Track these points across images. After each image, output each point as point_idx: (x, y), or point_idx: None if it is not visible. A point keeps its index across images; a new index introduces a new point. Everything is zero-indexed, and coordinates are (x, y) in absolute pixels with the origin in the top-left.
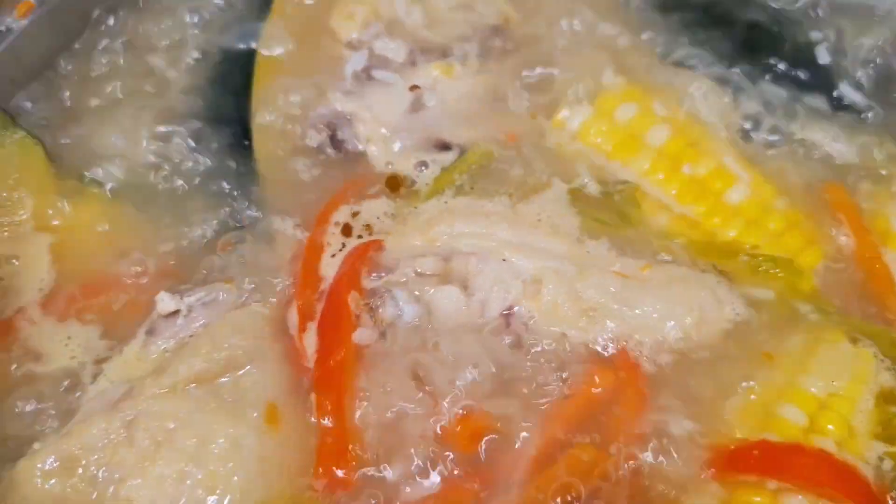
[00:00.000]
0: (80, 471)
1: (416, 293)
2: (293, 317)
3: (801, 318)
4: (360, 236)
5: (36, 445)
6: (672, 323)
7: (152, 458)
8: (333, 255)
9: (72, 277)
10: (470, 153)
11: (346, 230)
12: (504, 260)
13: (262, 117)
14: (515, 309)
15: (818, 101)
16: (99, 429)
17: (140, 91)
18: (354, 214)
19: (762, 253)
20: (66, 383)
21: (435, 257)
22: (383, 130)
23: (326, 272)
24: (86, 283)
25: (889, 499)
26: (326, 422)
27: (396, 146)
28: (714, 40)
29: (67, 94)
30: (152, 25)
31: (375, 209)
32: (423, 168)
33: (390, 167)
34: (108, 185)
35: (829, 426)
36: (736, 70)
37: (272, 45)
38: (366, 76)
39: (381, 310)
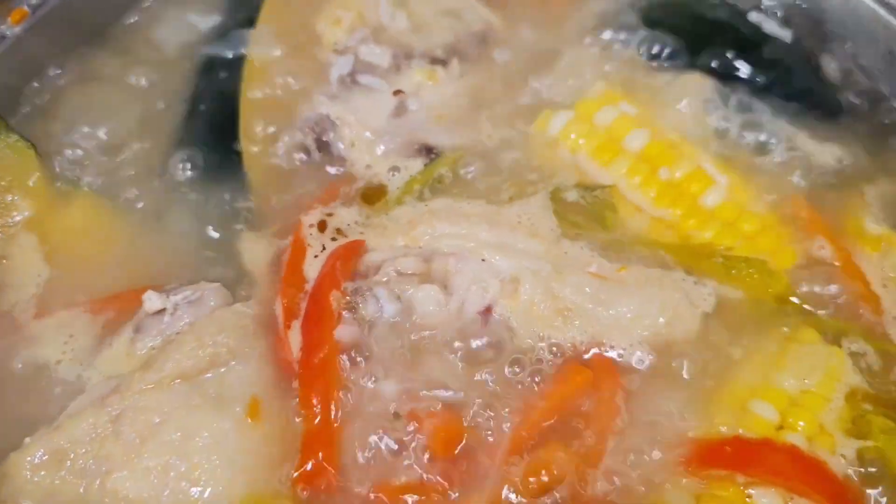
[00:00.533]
0: (69, 464)
1: (397, 292)
2: (279, 315)
3: (774, 317)
4: (333, 238)
5: (27, 440)
6: (646, 322)
7: (138, 451)
8: (316, 256)
9: (63, 278)
10: (438, 161)
11: (321, 227)
12: (483, 260)
13: (250, 121)
14: (493, 308)
15: (794, 106)
16: (87, 423)
17: (131, 98)
18: (329, 215)
19: (736, 255)
20: (55, 379)
21: (416, 257)
22: (367, 134)
23: (310, 273)
24: (76, 283)
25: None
26: (310, 416)
27: (380, 150)
28: (694, 44)
29: (60, 99)
30: (144, 34)
31: (347, 216)
32: (395, 173)
33: (370, 170)
34: (98, 188)
35: (800, 423)
36: (714, 74)
37: (261, 51)
38: (351, 81)
39: (362, 307)
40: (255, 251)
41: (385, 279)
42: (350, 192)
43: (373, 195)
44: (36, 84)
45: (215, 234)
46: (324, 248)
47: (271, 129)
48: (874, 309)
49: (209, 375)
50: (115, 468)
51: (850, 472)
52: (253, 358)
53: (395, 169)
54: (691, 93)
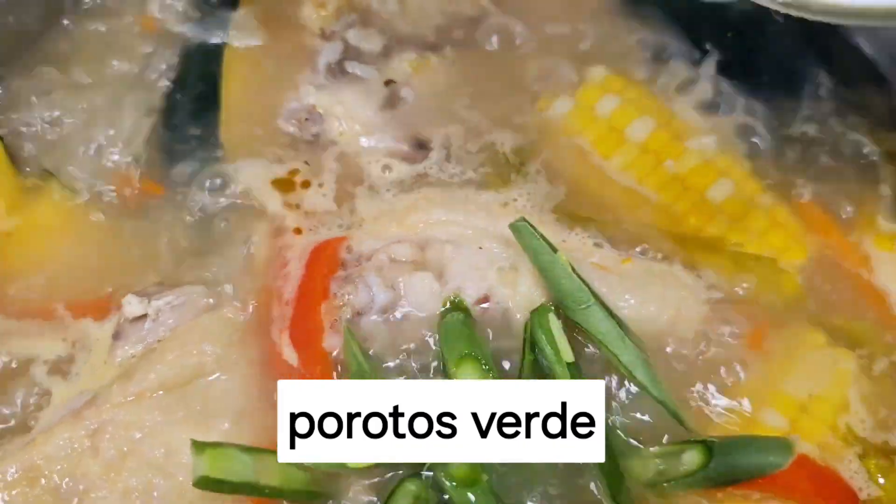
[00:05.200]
0: (43, 482)
1: (390, 280)
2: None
3: (782, 318)
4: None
5: None
6: (648, 318)
7: (118, 469)
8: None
9: (34, 279)
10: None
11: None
12: (480, 248)
13: (231, 112)
14: (490, 297)
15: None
16: (62, 438)
17: (108, 86)
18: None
19: (745, 251)
20: (25, 389)
21: (410, 244)
22: (357, 127)
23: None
24: (47, 285)
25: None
26: None
27: (370, 143)
28: (699, 33)
29: (31, 88)
30: (119, 18)
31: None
32: (387, 171)
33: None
34: (71, 182)
35: (811, 430)
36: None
37: (242, 37)
38: (339, 69)
39: (352, 297)
40: (241, 253)
41: (378, 266)
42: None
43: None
44: (5, 73)
45: (198, 234)
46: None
47: (255, 121)
48: (883, 311)
49: (194, 387)
50: (94, 487)
51: (861, 479)
52: (240, 367)
53: (387, 168)
54: (696, 79)
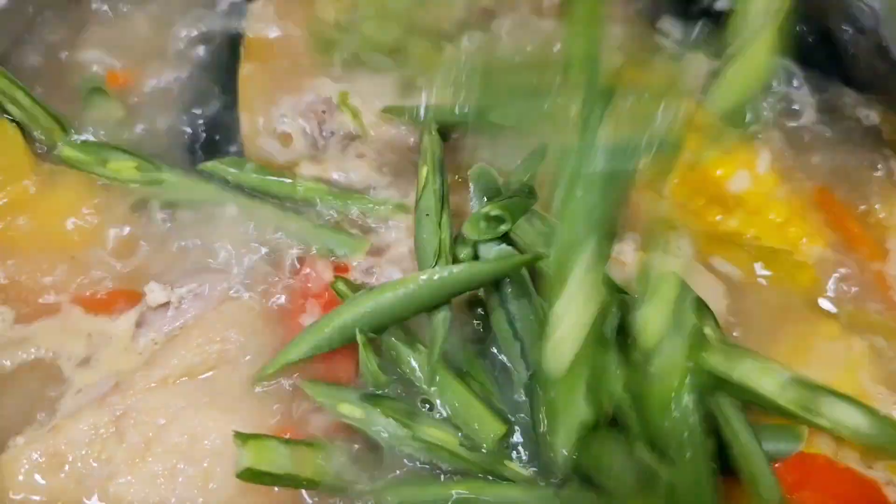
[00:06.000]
0: (67, 467)
1: None
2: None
3: (798, 310)
4: None
5: (19, 440)
6: None
7: (142, 454)
8: None
9: (55, 267)
10: None
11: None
12: None
13: (248, 104)
14: None
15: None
16: (87, 424)
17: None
18: None
19: (763, 244)
20: (50, 375)
21: None
22: (375, 120)
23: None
24: (70, 272)
25: None
26: None
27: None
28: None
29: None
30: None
31: None
32: None
33: None
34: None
35: None
36: None
37: (258, 28)
38: (354, 60)
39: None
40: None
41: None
42: None
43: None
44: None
45: (219, 222)
46: None
47: (272, 114)
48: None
49: (218, 373)
50: (118, 473)
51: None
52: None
53: None
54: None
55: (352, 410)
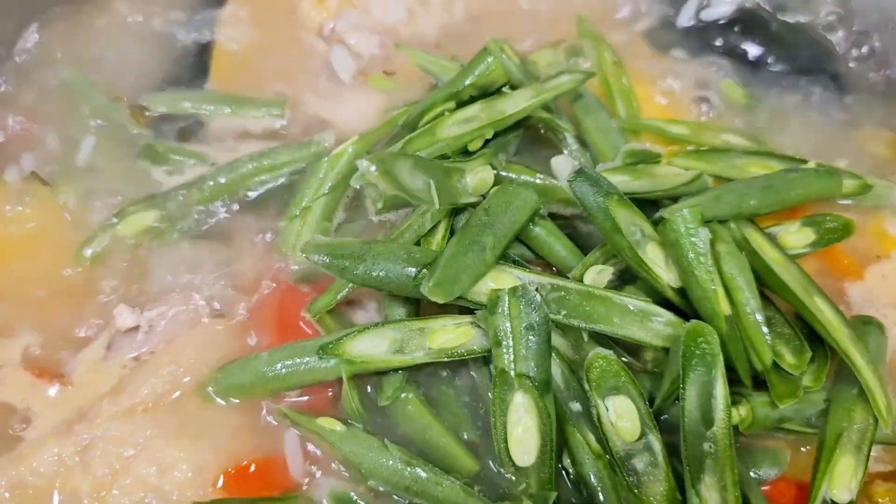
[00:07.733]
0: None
1: None
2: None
3: None
4: None
5: None
6: None
7: (109, 487)
8: None
9: (17, 283)
10: None
11: None
12: None
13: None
14: None
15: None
16: (51, 453)
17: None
18: None
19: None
20: (13, 400)
21: None
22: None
23: None
24: (34, 289)
25: None
26: None
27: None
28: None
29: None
30: (101, 15)
31: None
32: None
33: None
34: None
35: None
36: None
37: (231, 35)
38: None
39: None
40: (233, 265)
41: None
42: None
43: None
44: None
45: (192, 245)
46: None
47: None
48: None
49: (187, 401)
50: None
51: None
52: None
53: None
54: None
55: (331, 423)
